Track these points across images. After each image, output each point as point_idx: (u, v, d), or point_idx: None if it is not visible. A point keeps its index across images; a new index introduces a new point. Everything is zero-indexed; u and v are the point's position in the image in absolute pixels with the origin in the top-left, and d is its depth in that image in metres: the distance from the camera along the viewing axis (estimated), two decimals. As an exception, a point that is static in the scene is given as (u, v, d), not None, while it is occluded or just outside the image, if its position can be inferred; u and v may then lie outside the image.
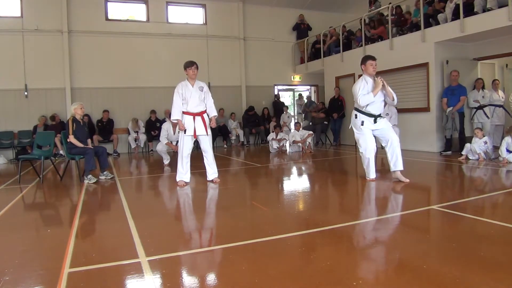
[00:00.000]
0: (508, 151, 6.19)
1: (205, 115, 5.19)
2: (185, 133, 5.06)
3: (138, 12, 11.22)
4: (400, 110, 8.21)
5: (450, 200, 3.85)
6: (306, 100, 12.59)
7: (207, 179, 5.34)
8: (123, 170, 7.58)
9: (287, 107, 12.53)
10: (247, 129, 11.59)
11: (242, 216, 3.64)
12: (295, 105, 13.31)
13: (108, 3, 10.74)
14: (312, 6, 12.78)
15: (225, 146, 11.32)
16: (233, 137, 11.61)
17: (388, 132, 4.89)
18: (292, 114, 13.32)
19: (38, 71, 9.87)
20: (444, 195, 4.39)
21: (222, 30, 11.91)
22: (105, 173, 5.99)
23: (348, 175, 5.87)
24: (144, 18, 11.19)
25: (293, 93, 14.44)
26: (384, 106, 5.28)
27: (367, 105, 4.82)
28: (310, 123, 11.35)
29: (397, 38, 8.83)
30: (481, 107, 7.52)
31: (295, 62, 13.00)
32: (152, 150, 10.54)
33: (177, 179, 5.19)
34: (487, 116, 7.51)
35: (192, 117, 5.07)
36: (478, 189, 4.70)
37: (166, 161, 7.61)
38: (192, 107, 5.08)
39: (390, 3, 9.31)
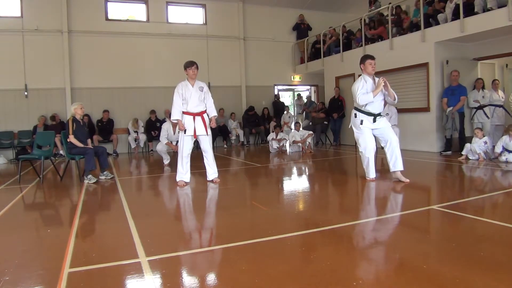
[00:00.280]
0: (508, 151, 6.20)
1: (205, 115, 5.18)
2: (185, 133, 5.06)
3: (138, 12, 11.22)
4: (400, 110, 8.21)
5: (450, 200, 3.85)
6: (306, 100, 12.58)
7: (207, 179, 5.34)
8: (123, 170, 7.59)
9: (288, 107, 12.53)
10: (247, 129, 11.60)
11: (242, 216, 3.64)
12: (295, 106, 13.29)
13: (108, 3, 10.74)
14: (312, 6, 12.78)
15: (225, 146, 11.32)
16: (233, 137, 11.61)
17: (387, 132, 4.88)
18: (293, 114, 13.32)
19: (38, 71, 9.87)
20: (444, 195, 4.39)
21: (222, 30, 11.91)
22: (105, 173, 5.99)
23: (348, 175, 5.86)
24: (144, 18, 11.19)
25: (293, 93, 14.44)
26: (384, 105, 5.28)
27: (366, 104, 4.82)
28: (310, 123, 11.36)
29: (397, 38, 8.83)
30: (481, 107, 7.52)
31: (295, 62, 13.00)
32: (152, 150, 10.54)
33: (177, 179, 5.19)
34: (487, 116, 7.51)
35: (192, 117, 5.07)
36: (478, 189, 4.70)
37: (166, 161, 7.61)
38: (192, 107, 5.08)
39: (390, 3, 9.31)
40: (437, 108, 7.99)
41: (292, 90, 14.12)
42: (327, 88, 11.57)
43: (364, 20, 9.83)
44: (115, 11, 10.93)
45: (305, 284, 2.00)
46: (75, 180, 6.15)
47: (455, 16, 7.40)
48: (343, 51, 10.68)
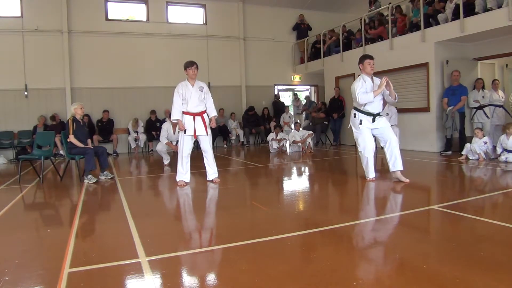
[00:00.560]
0: (508, 150, 6.20)
1: (205, 115, 5.19)
2: (185, 133, 5.06)
3: (138, 12, 11.22)
4: (400, 110, 8.21)
5: (450, 200, 3.85)
6: (305, 101, 12.57)
7: (207, 179, 5.34)
8: (123, 170, 7.59)
9: (288, 107, 12.53)
10: (247, 129, 11.59)
11: (242, 216, 3.64)
12: (291, 106, 13.23)
13: (108, 3, 10.74)
14: (312, 6, 12.78)
15: (225, 146, 11.32)
16: (233, 137, 11.61)
17: (386, 132, 4.88)
18: (292, 114, 13.28)
19: (38, 71, 9.87)
20: (444, 195, 4.39)
21: (222, 30, 11.91)
22: (105, 173, 5.99)
23: (348, 175, 5.86)
24: (144, 18, 11.19)
25: (293, 93, 14.43)
26: (384, 105, 5.28)
27: (366, 104, 4.82)
28: (310, 123, 11.36)
29: (397, 38, 8.83)
30: (481, 107, 7.52)
31: (295, 62, 13.00)
32: (152, 150, 10.54)
33: (177, 179, 5.19)
34: (487, 116, 7.51)
35: (192, 117, 5.07)
36: (478, 189, 4.70)
37: (166, 161, 7.61)
38: (192, 107, 5.08)
39: (390, 3, 9.31)
40: (437, 108, 7.99)
41: (292, 90, 14.12)
42: (327, 88, 11.57)
43: (364, 20, 9.83)
44: (115, 11, 10.93)
45: (305, 284, 2.00)
46: (75, 180, 6.15)
47: (455, 16, 7.40)
48: (343, 51, 10.68)
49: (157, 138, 9.24)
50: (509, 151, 6.18)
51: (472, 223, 3.13)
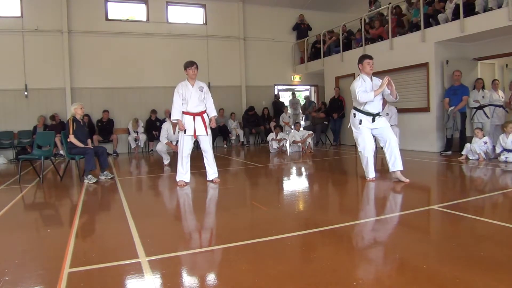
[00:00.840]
0: (508, 150, 6.20)
1: (205, 115, 5.19)
2: (185, 133, 5.06)
3: (138, 12, 11.22)
4: (400, 110, 8.21)
5: (450, 200, 3.85)
6: (304, 100, 12.54)
7: (207, 179, 5.34)
8: (123, 170, 7.59)
9: (287, 107, 12.52)
10: (247, 129, 11.59)
11: (242, 216, 3.64)
12: (290, 105, 13.13)
13: (108, 3, 10.73)
14: (312, 6, 12.78)
15: (225, 146, 11.32)
16: (233, 137, 11.61)
17: (386, 132, 4.88)
18: (291, 113, 13.21)
19: (38, 71, 9.87)
20: (444, 195, 4.39)
21: (222, 30, 11.91)
22: (105, 173, 5.99)
23: (348, 175, 5.86)
24: (144, 18, 11.19)
25: (292, 93, 14.37)
26: (384, 105, 5.28)
27: (366, 103, 4.82)
28: (310, 123, 11.35)
29: (397, 38, 8.83)
30: (481, 107, 7.52)
31: (295, 62, 13.00)
32: (152, 150, 10.54)
33: (177, 179, 5.19)
34: (487, 116, 7.51)
35: (192, 117, 5.07)
36: (478, 189, 4.70)
37: (166, 161, 7.60)
38: (192, 107, 5.08)
39: (390, 3, 9.31)
40: (437, 108, 7.99)
41: (292, 90, 14.11)
42: (327, 88, 11.57)
43: (364, 20, 9.83)
44: (115, 11, 10.93)
45: (305, 284, 2.00)
46: (75, 180, 6.15)
47: (455, 16, 7.40)
48: (343, 51, 10.68)
49: (157, 138, 9.24)
50: (509, 151, 6.18)
51: (472, 223, 3.13)
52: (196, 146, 6.31)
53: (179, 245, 2.80)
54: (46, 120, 9.79)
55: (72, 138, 5.75)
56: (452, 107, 7.37)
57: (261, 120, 11.90)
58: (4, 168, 8.25)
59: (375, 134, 4.96)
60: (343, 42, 10.76)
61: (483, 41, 7.87)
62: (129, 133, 10.51)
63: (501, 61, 9.06)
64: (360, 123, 4.89)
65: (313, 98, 13.21)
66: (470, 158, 6.61)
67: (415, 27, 8.41)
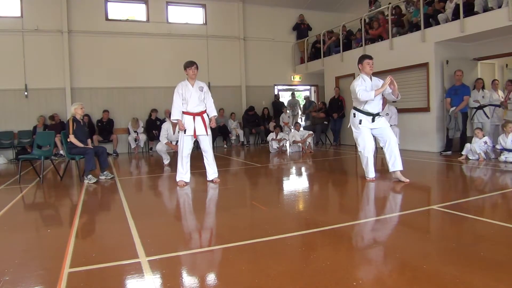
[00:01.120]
0: (508, 150, 6.19)
1: (205, 115, 5.19)
2: (185, 133, 5.06)
3: (138, 12, 11.22)
4: (400, 110, 8.21)
5: (450, 200, 3.85)
6: (304, 100, 12.52)
7: (207, 179, 5.34)
8: (123, 170, 7.58)
9: (285, 107, 12.51)
10: (247, 129, 11.59)
11: (242, 216, 3.64)
12: (287, 106, 13.06)
13: (108, 3, 10.73)
14: (312, 6, 12.78)
15: (225, 146, 11.32)
16: (233, 137, 11.61)
17: (386, 132, 4.89)
18: (289, 113, 13.16)
19: (38, 71, 9.87)
20: (444, 195, 4.38)
21: (222, 30, 11.91)
22: (105, 173, 5.99)
23: (348, 175, 5.86)
24: (144, 18, 11.19)
25: (292, 92, 14.34)
26: (384, 105, 5.28)
27: (365, 103, 4.82)
28: (310, 123, 11.35)
29: (397, 38, 8.83)
30: (481, 107, 7.52)
31: (295, 62, 13.00)
32: (151, 149, 10.53)
33: (177, 179, 5.19)
34: (487, 116, 7.51)
35: (192, 117, 5.07)
36: (478, 189, 4.70)
37: (166, 161, 7.60)
38: (192, 107, 5.08)
39: (390, 3, 9.31)
40: (437, 108, 7.99)
41: (292, 90, 14.11)
42: (327, 88, 11.57)
43: (364, 20, 9.83)
44: (115, 11, 10.92)
45: (305, 284, 2.00)
46: (75, 180, 6.15)
47: (455, 16, 7.40)
48: (343, 51, 10.68)
49: (157, 137, 9.24)
50: (509, 151, 6.18)
51: (472, 223, 3.13)
52: (196, 146, 6.31)
53: (179, 245, 2.80)
54: (46, 120, 9.79)
55: (72, 138, 5.75)
56: (453, 108, 7.37)
57: (261, 120, 11.90)
58: (4, 168, 8.25)
59: (375, 134, 4.96)
60: (343, 42, 10.76)
61: (483, 41, 7.87)
62: (129, 133, 10.51)
63: (501, 61, 9.06)
64: (360, 123, 4.89)
65: (313, 98, 13.20)
66: (470, 158, 6.61)
67: (415, 27, 8.41)
